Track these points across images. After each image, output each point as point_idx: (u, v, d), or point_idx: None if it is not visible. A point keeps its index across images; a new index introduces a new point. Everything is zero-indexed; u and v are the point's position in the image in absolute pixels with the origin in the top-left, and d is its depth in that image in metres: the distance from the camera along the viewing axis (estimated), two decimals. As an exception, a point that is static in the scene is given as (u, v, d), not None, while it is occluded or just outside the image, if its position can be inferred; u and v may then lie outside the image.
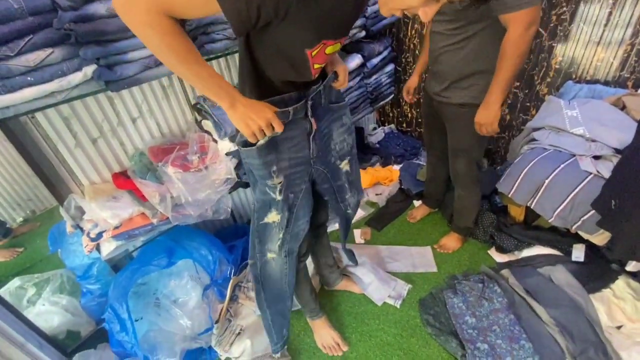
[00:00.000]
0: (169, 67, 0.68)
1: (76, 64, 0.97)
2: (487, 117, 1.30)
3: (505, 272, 1.58)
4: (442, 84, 1.40)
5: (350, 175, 1.19)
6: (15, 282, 1.67)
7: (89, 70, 0.99)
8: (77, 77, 0.97)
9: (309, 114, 0.93)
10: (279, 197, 0.99)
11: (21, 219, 1.91)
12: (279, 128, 0.82)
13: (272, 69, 0.83)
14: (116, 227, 1.28)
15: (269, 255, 1.13)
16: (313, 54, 0.79)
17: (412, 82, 1.68)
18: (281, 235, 1.08)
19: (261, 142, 0.85)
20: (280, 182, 0.96)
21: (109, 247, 1.28)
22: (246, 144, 0.88)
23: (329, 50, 0.83)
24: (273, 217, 1.04)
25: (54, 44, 0.93)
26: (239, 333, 1.47)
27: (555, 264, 1.53)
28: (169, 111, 1.53)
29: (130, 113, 1.41)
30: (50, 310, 1.58)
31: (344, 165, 1.16)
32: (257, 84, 0.86)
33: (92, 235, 1.27)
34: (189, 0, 0.63)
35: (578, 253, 1.53)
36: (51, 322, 1.53)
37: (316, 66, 0.85)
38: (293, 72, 0.84)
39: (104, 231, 1.27)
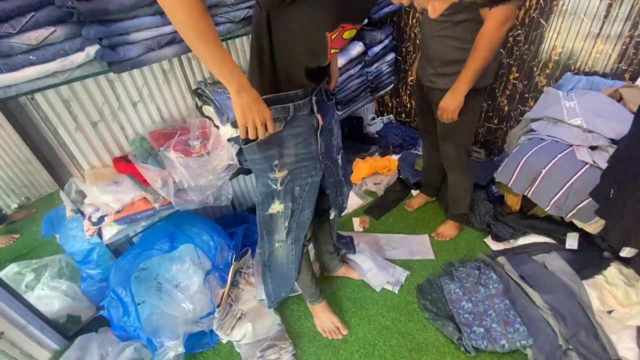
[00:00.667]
0: (188, 44, 0.71)
1: (78, 44, 0.95)
2: (451, 104, 1.36)
3: (501, 259, 1.62)
4: (430, 69, 1.45)
5: (342, 168, 1.24)
6: (13, 267, 1.66)
7: (92, 50, 0.98)
8: (79, 57, 0.96)
9: (315, 110, 0.97)
10: (279, 188, 1.03)
11: (16, 205, 1.88)
12: (271, 129, 0.87)
13: (289, 52, 0.84)
14: (118, 212, 1.28)
15: (277, 244, 1.19)
16: (333, 37, 0.81)
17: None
18: (287, 224, 1.12)
19: (260, 139, 0.89)
20: (283, 176, 1.00)
21: (110, 232, 1.28)
22: (247, 140, 0.91)
23: (346, 35, 0.85)
24: (277, 207, 1.08)
25: (56, 22, 0.91)
26: (239, 317, 1.49)
27: (550, 252, 1.57)
28: (170, 96, 1.51)
29: (130, 97, 1.39)
30: (49, 295, 1.57)
31: (339, 158, 1.21)
32: (269, 72, 0.87)
33: (94, 220, 1.26)
34: None
35: (572, 241, 1.57)
36: (51, 306, 1.53)
37: (332, 51, 0.87)
38: (310, 55, 0.86)
39: (105, 215, 1.27)
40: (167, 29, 1.10)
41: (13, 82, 0.88)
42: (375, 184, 2.27)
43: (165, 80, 1.47)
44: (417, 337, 1.41)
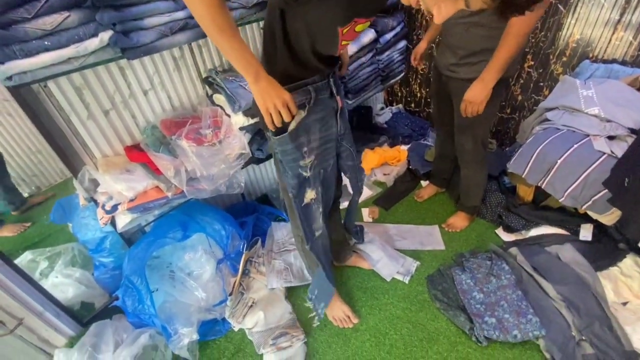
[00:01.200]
0: (208, 35, 0.73)
1: (92, 29, 0.94)
2: (478, 95, 1.29)
3: (513, 249, 1.61)
4: (452, 58, 1.39)
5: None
6: (27, 255, 1.68)
7: (105, 36, 0.97)
8: (93, 43, 0.95)
9: (334, 92, 0.98)
10: (309, 174, 1.04)
11: (26, 194, 1.91)
12: (294, 110, 0.86)
13: (302, 42, 0.85)
14: (131, 200, 1.28)
15: (317, 233, 1.21)
16: (344, 31, 0.82)
17: (421, 47, 1.66)
18: (320, 209, 1.15)
19: (292, 127, 0.90)
20: (311, 161, 1.02)
21: (124, 220, 1.28)
22: (278, 131, 0.91)
23: (358, 28, 0.85)
24: (310, 195, 1.09)
25: (71, 7, 0.90)
26: (251, 306, 1.50)
27: (563, 243, 1.56)
28: (180, 84, 1.50)
29: (141, 85, 1.38)
30: (63, 282, 1.59)
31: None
32: (284, 59, 0.88)
33: (107, 208, 1.27)
34: None
35: (586, 233, 1.56)
36: (66, 293, 1.55)
37: (344, 43, 0.88)
38: (322, 46, 0.87)
39: (119, 204, 1.27)
40: (180, 14, 1.09)
41: (28, 69, 0.88)
42: (384, 174, 2.25)
43: (175, 68, 1.45)
44: (428, 327, 1.41)
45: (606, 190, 1.35)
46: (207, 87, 1.55)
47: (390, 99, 2.81)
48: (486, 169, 1.69)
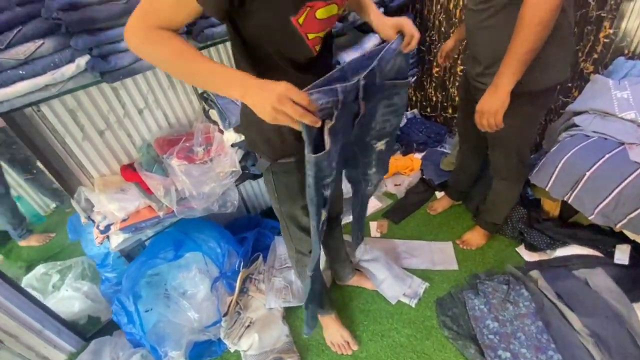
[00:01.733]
0: (174, 76, 0.69)
1: (68, 55, 0.94)
2: (491, 105, 1.07)
3: (534, 273, 1.44)
4: (477, 68, 1.20)
5: (382, 154, 1.03)
6: (40, 269, 1.76)
7: (82, 61, 0.96)
8: (70, 69, 0.94)
9: (360, 96, 0.77)
10: (327, 193, 0.85)
11: (54, 205, 2.00)
12: (302, 98, 0.62)
13: (265, 50, 0.73)
14: (124, 220, 1.29)
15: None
16: (300, 21, 0.68)
17: (447, 45, 1.47)
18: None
19: (326, 142, 0.70)
20: (333, 177, 0.84)
21: (117, 240, 1.29)
22: (317, 149, 0.72)
23: (320, 14, 0.70)
24: (323, 216, 0.90)
25: (44, 35, 0.90)
26: (248, 326, 1.46)
27: (594, 267, 1.37)
28: (176, 100, 1.49)
29: (136, 104, 1.39)
30: (72, 296, 1.64)
31: (380, 145, 0.98)
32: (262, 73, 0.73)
33: (101, 228, 1.28)
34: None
35: (621, 255, 1.36)
36: (72, 307, 1.60)
37: (311, 36, 0.73)
38: (290, 50, 0.74)
39: (111, 224, 1.28)
40: (160, 34, 1.06)
41: (4, 98, 0.89)
42: (395, 185, 2.13)
43: (170, 86, 1.45)
44: (434, 358, 1.29)
45: (644, 208, 1.16)
46: (203, 102, 1.54)
47: (405, 103, 2.67)
48: (521, 186, 1.49)
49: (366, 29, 1.79)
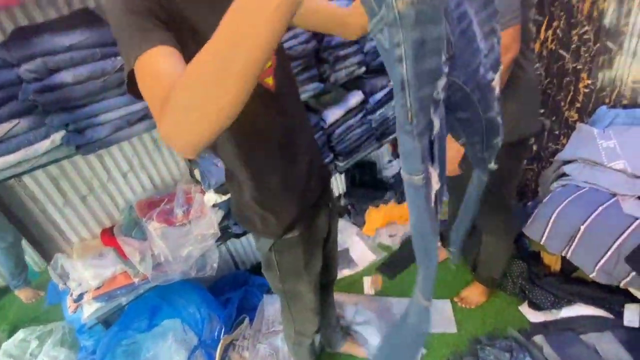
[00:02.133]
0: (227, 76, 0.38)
1: (44, 132, 0.97)
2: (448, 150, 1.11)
3: (538, 338, 1.31)
4: None
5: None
6: (20, 334, 1.70)
7: (57, 136, 0.99)
8: (44, 145, 0.97)
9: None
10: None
11: (47, 264, 1.98)
12: None
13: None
14: (97, 288, 1.24)
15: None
16: None
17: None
18: None
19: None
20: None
21: (89, 309, 1.24)
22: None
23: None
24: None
25: (20, 115, 0.93)
26: (228, 402, 1.34)
27: (603, 330, 1.24)
28: (161, 162, 1.51)
29: (120, 168, 1.41)
30: (48, 366, 1.56)
31: (496, 82, 0.58)
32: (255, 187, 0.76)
33: (74, 296, 1.24)
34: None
35: (632, 316, 1.24)
36: (47, 380, 1.51)
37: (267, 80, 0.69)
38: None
39: (85, 292, 1.23)
40: (137, 106, 1.10)
41: (-25, 175, 0.90)
42: (390, 235, 2.06)
43: (155, 149, 1.48)
44: None
45: (646, 267, 1.08)
46: (188, 162, 1.56)
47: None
48: (510, 239, 1.44)
49: (349, 85, 1.84)
